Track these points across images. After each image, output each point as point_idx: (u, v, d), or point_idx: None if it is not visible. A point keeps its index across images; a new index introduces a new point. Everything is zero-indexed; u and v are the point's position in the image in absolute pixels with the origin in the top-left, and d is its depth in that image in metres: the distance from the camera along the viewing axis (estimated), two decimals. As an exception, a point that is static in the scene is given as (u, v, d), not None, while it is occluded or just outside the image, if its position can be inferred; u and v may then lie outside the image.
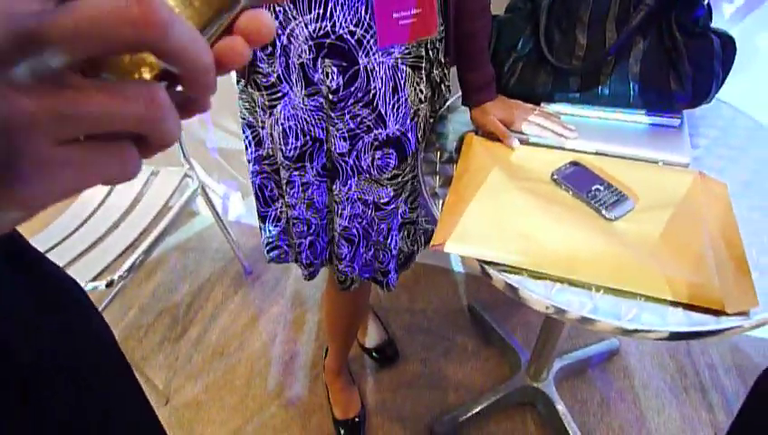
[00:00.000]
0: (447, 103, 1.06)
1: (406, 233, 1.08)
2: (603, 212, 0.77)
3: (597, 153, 0.89)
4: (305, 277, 1.12)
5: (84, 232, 1.38)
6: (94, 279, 1.23)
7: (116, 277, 1.25)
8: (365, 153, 0.90)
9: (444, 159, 0.93)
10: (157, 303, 1.80)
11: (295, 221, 1.01)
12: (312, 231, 1.03)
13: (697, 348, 1.60)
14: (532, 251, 0.72)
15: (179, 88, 0.23)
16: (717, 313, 0.66)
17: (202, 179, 1.58)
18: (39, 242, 1.30)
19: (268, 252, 1.13)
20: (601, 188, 0.79)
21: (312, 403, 1.51)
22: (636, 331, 0.66)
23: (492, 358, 1.59)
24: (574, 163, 0.85)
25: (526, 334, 1.63)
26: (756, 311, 0.66)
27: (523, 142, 0.91)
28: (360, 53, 0.81)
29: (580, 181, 0.81)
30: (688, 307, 0.67)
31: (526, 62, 0.95)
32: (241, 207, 2.03)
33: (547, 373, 1.40)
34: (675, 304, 0.67)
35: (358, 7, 0.77)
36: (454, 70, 0.97)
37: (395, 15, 0.77)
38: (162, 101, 0.20)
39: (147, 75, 0.21)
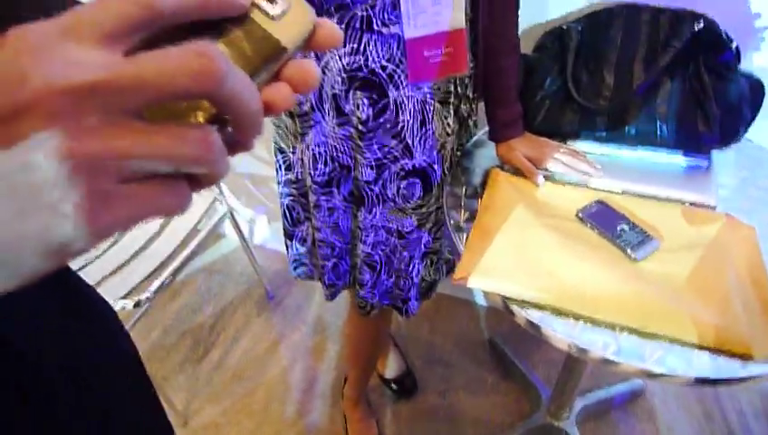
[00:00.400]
0: (474, 138, 1.08)
1: (429, 262, 1.09)
2: (628, 252, 0.76)
3: (623, 192, 0.89)
4: (327, 298, 1.14)
5: (114, 252, 1.41)
6: (122, 298, 1.26)
7: (143, 298, 1.27)
8: (391, 182, 0.92)
9: (469, 193, 0.94)
10: (180, 324, 1.83)
11: (320, 243, 1.03)
12: (335, 254, 1.05)
13: (725, 392, 1.56)
14: (555, 289, 0.72)
15: (228, 129, 0.24)
16: (744, 358, 0.65)
17: (230, 204, 1.62)
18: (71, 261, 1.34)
19: (294, 268, 1.16)
20: (627, 227, 0.79)
21: (329, 432, 1.50)
22: (660, 375, 0.65)
23: (512, 393, 1.56)
24: (600, 202, 0.85)
25: (548, 371, 1.60)
26: (785, 358, 0.65)
27: (548, 179, 0.92)
28: (390, 87, 0.83)
29: (606, 220, 0.81)
30: (715, 352, 0.66)
31: (553, 101, 0.96)
32: (267, 232, 2.06)
33: (569, 412, 1.37)
34: (701, 347, 0.66)
35: (390, 44, 0.80)
36: (482, 105, 0.99)
37: (426, 54, 0.80)
38: (215, 143, 0.22)
39: (201, 119, 0.23)
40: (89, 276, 1.29)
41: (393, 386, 1.58)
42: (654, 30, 0.92)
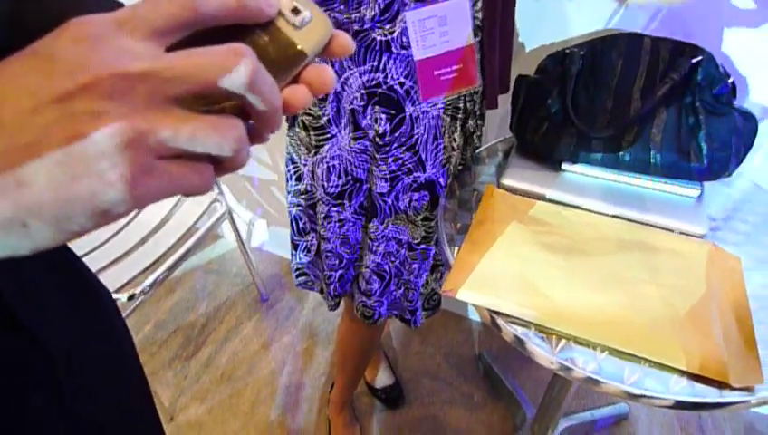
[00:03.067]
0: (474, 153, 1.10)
1: (438, 275, 1.11)
2: None
3: (614, 216, 0.91)
4: (330, 308, 1.16)
5: (113, 244, 1.43)
6: (117, 291, 1.27)
7: (138, 291, 1.29)
8: (403, 194, 0.95)
9: (463, 207, 0.96)
10: (173, 320, 1.84)
11: (328, 254, 1.05)
12: (342, 265, 1.07)
13: (710, 423, 1.57)
14: (543, 306, 0.73)
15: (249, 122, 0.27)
16: (722, 385, 0.66)
17: (230, 204, 1.64)
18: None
19: (297, 277, 1.17)
20: None
21: (313, 436, 1.51)
22: (642, 396, 0.66)
23: (497, 410, 1.57)
24: None
25: (535, 390, 1.61)
26: (762, 387, 0.66)
27: (543, 199, 0.94)
28: (407, 102, 0.86)
29: None
30: (693, 377, 0.67)
31: (552, 122, 0.98)
32: (265, 235, 2.08)
33: (552, 433, 1.38)
34: (679, 372, 0.68)
35: (409, 61, 0.83)
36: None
37: (436, 72, 0.83)
38: (242, 134, 0.25)
39: (228, 109, 0.25)
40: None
41: (380, 395, 1.58)
42: (654, 60, 0.94)
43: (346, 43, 0.30)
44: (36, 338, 0.42)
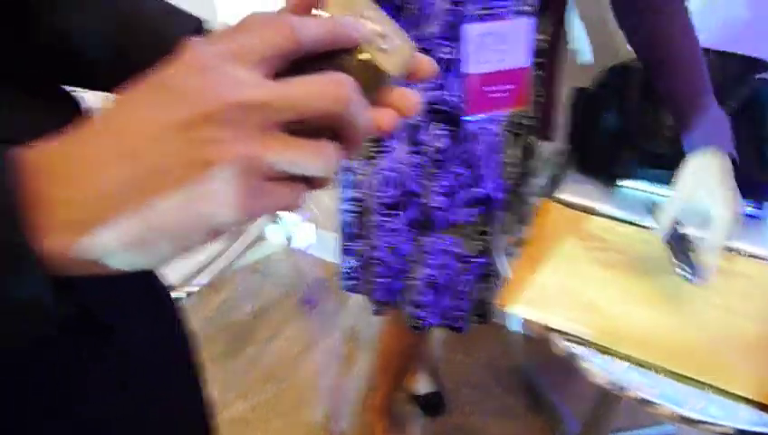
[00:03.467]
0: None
1: (490, 284, 1.11)
2: (687, 273, 0.72)
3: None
4: (374, 312, 1.17)
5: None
6: (172, 289, 1.32)
7: (191, 290, 1.33)
8: (460, 208, 0.95)
9: (519, 220, 0.95)
10: (221, 317, 1.89)
11: (377, 262, 1.06)
12: (389, 274, 1.08)
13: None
14: (601, 325, 0.72)
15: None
16: (789, 417, 0.64)
17: (279, 207, 1.67)
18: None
19: (344, 280, 1.19)
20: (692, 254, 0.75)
21: (354, 440, 1.52)
22: (698, 422, 0.65)
23: (537, 423, 1.55)
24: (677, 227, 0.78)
25: (578, 405, 1.58)
26: (834, 421, 0.63)
27: (599, 214, 0.92)
28: (467, 120, 0.86)
29: (680, 244, 0.76)
30: (760, 406, 0.65)
31: (610, 137, 0.97)
32: (311, 237, 2.11)
33: (597, 450, 1.35)
34: (744, 400, 0.66)
35: None
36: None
37: (485, 89, 0.83)
38: (334, 157, 0.27)
39: (322, 130, 0.27)
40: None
41: (420, 402, 1.58)
42: (720, 75, 0.91)
43: (429, 66, 0.31)
44: (112, 332, 0.44)
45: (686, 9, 0.78)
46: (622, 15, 0.86)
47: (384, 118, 0.30)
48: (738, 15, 0.97)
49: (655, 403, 0.67)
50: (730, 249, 0.86)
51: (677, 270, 0.75)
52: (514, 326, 1.82)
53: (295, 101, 0.24)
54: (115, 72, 0.40)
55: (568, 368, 0.73)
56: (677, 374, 0.68)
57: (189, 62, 0.24)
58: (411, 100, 0.30)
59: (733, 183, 0.73)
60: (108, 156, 0.23)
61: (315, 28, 0.26)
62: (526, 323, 0.77)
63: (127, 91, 0.24)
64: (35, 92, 0.40)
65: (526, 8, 0.79)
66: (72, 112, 0.43)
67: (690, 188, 0.74)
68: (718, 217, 0.71)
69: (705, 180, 0.73)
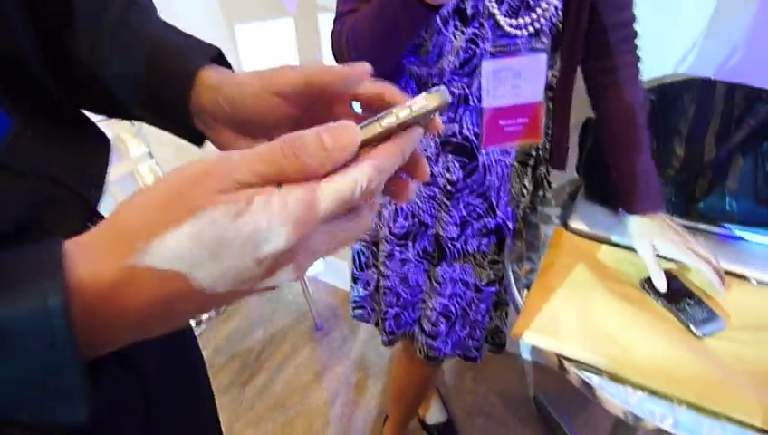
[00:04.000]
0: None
1: (503, 313, 1.12)
2: (692, 328, 0.76)
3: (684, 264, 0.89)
4: (384, 343, 1.17)
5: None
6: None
7: (204, 317, 1.34)
8: (472, 238, 0.96)
9: (531, 248, 0.96)
10: (230, 346, 1.89)
11: (387, 291, 1.07)
12: (399, 303, 1.08)
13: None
14: (615, 355, 0.72)
15: None
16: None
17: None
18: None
19: (354, 309, 1.20)
20: (692, 302, 0.79)
21: (364, 471, 1.50)
22: (715, 452, 0.64)
23: (553, 455, 1.53)
24: (667, 273, 0.84)
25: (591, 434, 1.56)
26: None
27: (611, 243, 0.93)
28: (480, 152, 0.88)
29: (671, 293, 0.81)
30: (774, 436, 0.64)
31: (621, 167, 0.98)
32: (321, 265, 2.12)
33: (612, 482, 1.33)
34: (761, 431, 0.65)
35: (482, 112, 0.85)
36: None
37: (501, 123, 0.85)
38: (369, 224, 0.29)
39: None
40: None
41: (433, 432, 1.57)
42: (728, 106, 0.93)
43: (439, 125, 0.32)
44: (134, 368, 0.45)
45: (640, 80, 0.87)
46: (590, 86, 0.90)
47: (402, 190, 0.32)
48: (743, 46, 0.98)
49: (670, 433, 0.66)
50: (742, 277, 0.86)
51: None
52: (528, 355, 1.81)
53: (331, 208, 0.26)
54: (145, 106, 0.42)
55: (582, 398, 0.73)
56: (693, 404, 0.68)
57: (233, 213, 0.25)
58: (425, 168, 0.32)
59: (682, 236, 0.84)
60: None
61: (333, 202, 0.26)
62: (540, 352, 0.77)
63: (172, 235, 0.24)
64: (67, 124, 0.42)
65: (539, 46, 0.81)
66: (101, 144, 0.45)
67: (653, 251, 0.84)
68: (697, 269, 0.82)
69: (664, 247, 0.84)
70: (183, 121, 0.41)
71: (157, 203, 0.25)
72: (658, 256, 0.84)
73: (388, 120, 0.28)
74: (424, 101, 0.28)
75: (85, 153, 0.43)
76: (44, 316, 0.23)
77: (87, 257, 0.25)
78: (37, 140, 0.38)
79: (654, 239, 0.85)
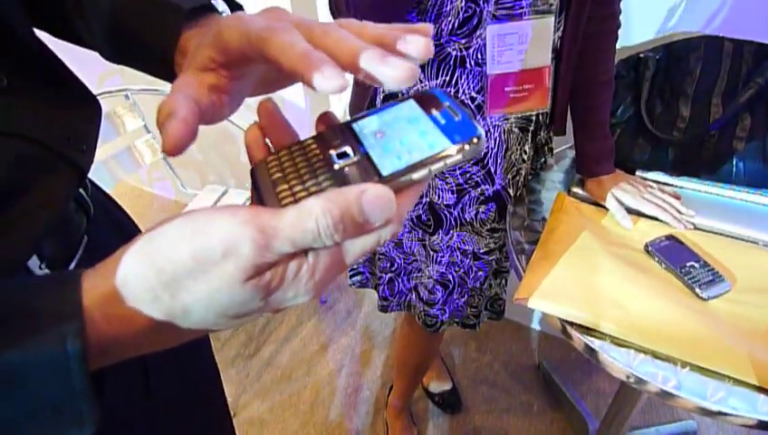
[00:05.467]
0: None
1: (502, 280, 1.11)
2: (697, 290, 0.75)
3: (695, 228, 0.87)
4: (379, 308, 1.17)
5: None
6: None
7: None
8: (470, 206, 0.94)
9: (533, 216, 0.95)
10: (235, 319, 1.90)
11: (381, 256, 1.06)
12: (393, 269, 1.07)
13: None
14: (619, 318, 0.72)
15: None
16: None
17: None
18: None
19: (351, 276, 1.19)
20: (696, 265, 0.78)
21: (371, 439, 1.52)
22: (720, 413, 0.64)
23: (557, 421, 1.54)
24: (670, 237, 0.83)
25: (596, 402, 1.57)
26: None
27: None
28: (478, 117, 0.86)
29: (675, 256, 0.80)
30: (776, 396, 0.64)
31: (625, 129, 0.96)
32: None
33: (616, 446, 1.34)
34: (761, 390, 0.65)
35: (482, 76, 0.82)
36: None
37: (506, 89, 0.82)
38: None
39: None
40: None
41: (437, 400, 1.58)
42: (736, 64, 0.90)
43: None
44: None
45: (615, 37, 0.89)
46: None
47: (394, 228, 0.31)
48: (752, 2, 0.95)
49: (675, 395, 0.66)
50: (748, 240, 0.85)
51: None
52: (532, 323, 1.81)
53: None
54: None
55: (586, 365, 0.73)
56: (697, 366, 0.67)
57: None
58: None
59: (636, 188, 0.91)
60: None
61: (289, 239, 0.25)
62: (544, 317, 0.76)
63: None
64: (53, 85, 0.41)
65: (544, 7, 0.78)
66: (89, 107, 0.44)
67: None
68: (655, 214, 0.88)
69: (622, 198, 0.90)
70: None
71: (185, 263, 0.24)
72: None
73: (420, 174, 0.27)
74: (457, 156, 0.27)
75: (71, 115, 0.42)
76: (63, 359, 0.24)
77: (106, 303, 0.25)
78: (21, 99, 0.37)
79: (613, 190, 0.90)
